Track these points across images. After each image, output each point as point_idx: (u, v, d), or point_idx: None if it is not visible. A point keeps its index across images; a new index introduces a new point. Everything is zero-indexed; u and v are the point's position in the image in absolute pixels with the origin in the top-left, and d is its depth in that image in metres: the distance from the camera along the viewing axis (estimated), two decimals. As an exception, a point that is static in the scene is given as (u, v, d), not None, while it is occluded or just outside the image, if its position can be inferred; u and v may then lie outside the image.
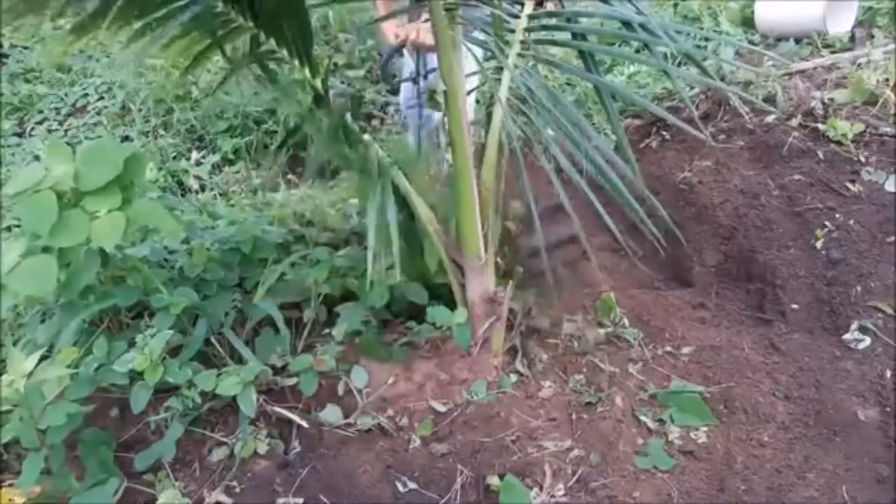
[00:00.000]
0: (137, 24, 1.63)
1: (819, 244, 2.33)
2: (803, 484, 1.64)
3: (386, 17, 2.39)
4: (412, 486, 1.73)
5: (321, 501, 1.71)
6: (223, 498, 1.73)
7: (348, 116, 1.96)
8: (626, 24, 1.96)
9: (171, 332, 1.81)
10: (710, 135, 2.71)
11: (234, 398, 1.78)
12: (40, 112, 4.74)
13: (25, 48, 5.02)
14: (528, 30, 2.07)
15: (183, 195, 3.75)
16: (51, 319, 2.00)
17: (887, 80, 2.82)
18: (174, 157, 4.13)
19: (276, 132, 4.27)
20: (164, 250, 2.23)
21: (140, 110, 4.51)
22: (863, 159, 2.58)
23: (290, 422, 1.89)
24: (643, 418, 1.86)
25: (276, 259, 2.19)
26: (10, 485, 1.70)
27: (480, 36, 2.19)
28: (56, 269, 1.73)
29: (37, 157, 4.07)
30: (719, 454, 1.74)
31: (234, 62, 1.86)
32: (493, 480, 1.69)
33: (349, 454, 1.80)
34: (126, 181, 1.77)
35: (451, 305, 2.03)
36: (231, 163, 4.18)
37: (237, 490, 1.75)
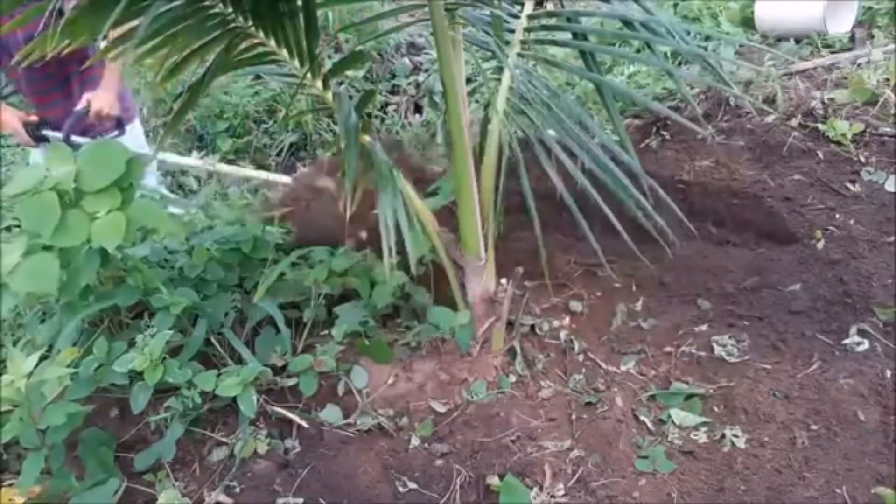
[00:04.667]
0: (132, 22, 1.62)
1: (819, 244, 2.33)
2: (803, 484, 1.64)
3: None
4: (412, 486, 1.73)
5: (321, 501, 1.70)
6: (223, 498, 1.73)
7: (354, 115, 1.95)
8: (628, 24, 1.96)
9: (171, 332, 1.81)
10: (710, 135, 2.72)
11: (234, 398, 1.78)
12: (40, 112, 4.73)
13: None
14: (528, 30, 2.07)
15: (183, 195, 3.75)
16: (51, 319, 2.00)
17: (887, 80, 2.82)
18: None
19: (275, 132, 4.27)
20: (164, 250, 2.22)
21: (140, 110, 4.50)
22: (863, 159, 2.59)
23: (290, 422, 1.89)
24: (643, 418, 1.86)
25: (275, 259, 2.19)
26: (10, 485, 1.70)
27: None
28: (57, 269, 1.73)
29: (37, 157, 4.06)
30: (719, 454, 1.74)
31: (230, 63, 1.85)
32: (493, 480, 1.69)
33: (349, 454, 1.80)
34: (126, 182, 1.77)
35: (451, 305, 2.04)
36: (231, 163, 4.18)
37: (237, 490, 1.75)
